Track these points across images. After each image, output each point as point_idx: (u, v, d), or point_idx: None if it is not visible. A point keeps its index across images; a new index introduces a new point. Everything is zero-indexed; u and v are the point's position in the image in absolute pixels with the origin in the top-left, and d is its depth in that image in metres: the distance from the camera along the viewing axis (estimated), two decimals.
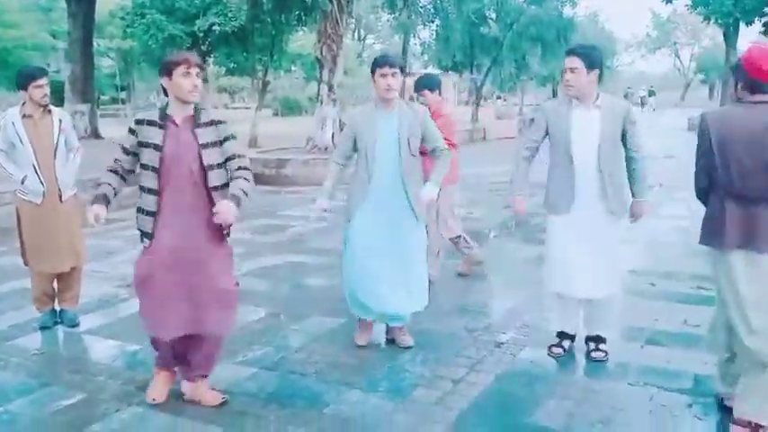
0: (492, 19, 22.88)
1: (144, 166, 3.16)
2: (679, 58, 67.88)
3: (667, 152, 15.60)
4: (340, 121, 13.70)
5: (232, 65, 22.24)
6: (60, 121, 4.32)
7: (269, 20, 16.55)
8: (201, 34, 18.02)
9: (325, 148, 13.17)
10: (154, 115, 3.17)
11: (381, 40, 58.00)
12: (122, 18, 18.99)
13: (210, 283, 3.21)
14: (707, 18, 26.23)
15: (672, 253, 6.49)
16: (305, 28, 18.82)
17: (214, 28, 17.76)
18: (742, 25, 27.54)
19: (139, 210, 3.21)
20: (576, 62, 3.63)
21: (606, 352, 3.89)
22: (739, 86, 2.94)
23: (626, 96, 46.73)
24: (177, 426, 3.20)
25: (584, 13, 34.85)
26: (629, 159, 3.79)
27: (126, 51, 35.05)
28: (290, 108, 34.65)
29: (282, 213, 8.98)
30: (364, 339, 4.15)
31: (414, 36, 23.47)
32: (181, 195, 3.13)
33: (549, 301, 4.01)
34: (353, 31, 56.40)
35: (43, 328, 4.53)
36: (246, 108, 33.09)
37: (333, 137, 13.42)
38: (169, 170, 3.11)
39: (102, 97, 45.67)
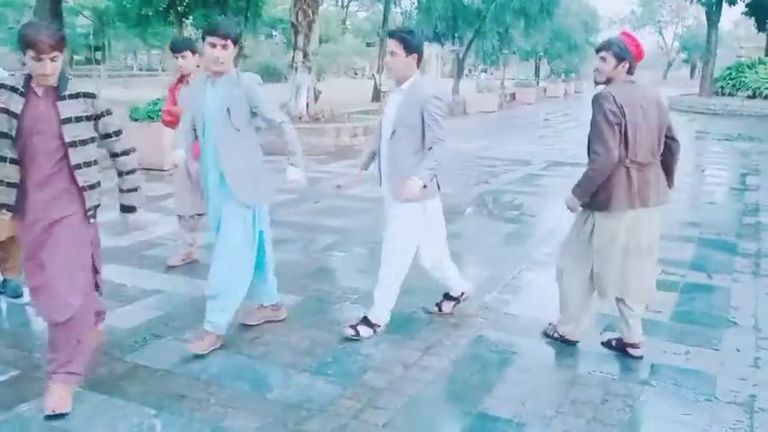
0: None
1: (2, 134, 2.84)
2: (663, 36, 67.92)
3: None
4: (315, 89, 13.42)
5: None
6: None
7: None
8: None
9: (300, 117, 12.90)
10: (18, 81, 2.86)
11: (365, 7, 57.12)
12: None
13: (68, 264, 2.95)
14: None
15: None
16: None
17: None
18: (725, 5, 27.45)
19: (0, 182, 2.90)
20: (393, 45, 3.63)
21: (358, 332, 3.82)
22: (621, 67, 3.37)
23: None
24: (110, 406, 3.05)
25: None
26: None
27: (101, 11, 34.12)
28: (269, 74, 34.05)
29: None
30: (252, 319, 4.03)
31: (395, 4, 23.03)
32: (39, 169, 2.87)
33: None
34: None
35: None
36: None
37: (307, 106, 13.14)
38: (26, 142, 2.83)
39: (75, 57, 44.60)
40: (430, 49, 39.68)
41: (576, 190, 3.49)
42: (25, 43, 2.73)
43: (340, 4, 55.81)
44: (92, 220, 3.05)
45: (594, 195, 3.45)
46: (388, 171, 3.77)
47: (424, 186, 3.60)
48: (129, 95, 18.30)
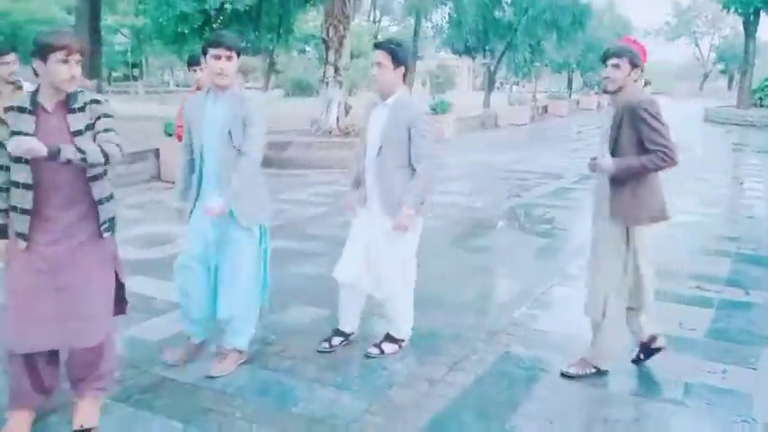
0: (506, 3, 22.47)
1: (17, 159, 2.70)
2: (698, 47, 66.85)
3: (682, 144, 15.30)
4: (346, 104, 13.49)
5: (244, 44, 22.07)
6: None
7: None
8: (213, 12, 17.85)
9: (330, 132, 12.98)
10: (25, 101, 2.78)
11: (397, 21, 57.46)
12: None
13: (83, 287, 2.85)
14: (726, 7, 25.66)
15: (675, 250, 6.27)
16: (315, 8, 18.60)
17: (226, 6, 17.58)
18: (763, 15, 26.91)
19: (12, 208, 2.79)
20: (381, 57, 3.53)
21: (383, 351, 3.78)
22: (633, 74, 3.31)
23: (645, 85, 46.27)
24: (137, 419, 3.08)
25: (600, 0, 34.28)
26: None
27: (138, 28, 34.90)
28: (301, 89, 34.45)
29: (281, 197, 8.81)
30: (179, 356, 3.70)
31: (426, 19, 23.11)
32: (62, 189, 2.78)
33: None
34: (369, 12, 55.94)
35: None
36: (258, 88, 32.91)
37: (338, 120, 13.22)
38: (41, 162, 2.68)
39: (114, 74, 45.70)
40: (461, 63, 39.71)
41: (624, 168, 3.29)
42: (50, 46, 2.67)
43: (372, 19, 56.23)
44: (108, 234, 2.92)
45: (643, 207, 3.35)
46: (377, 188, 3.62)
47: (416, 210, 3.56)
48: (165, 111, 18.62)
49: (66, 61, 2.69)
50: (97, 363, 2.98)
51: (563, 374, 3.53)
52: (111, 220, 2.94)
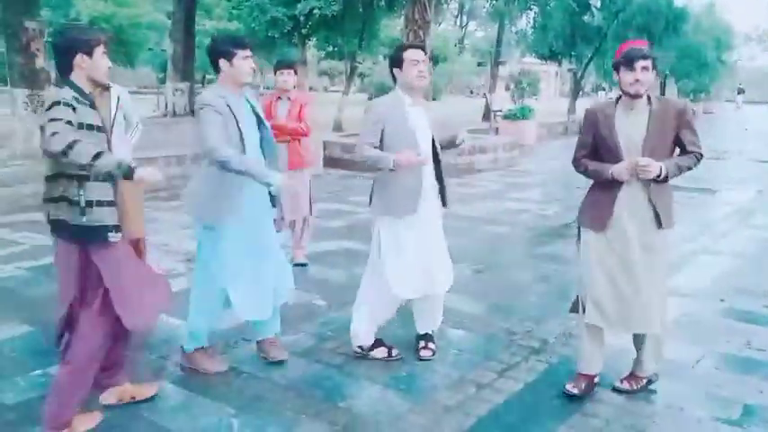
0: (595, 7, 21.87)
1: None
2: None
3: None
4: None
5: (330, 48, 22.58)
6: (118, 98, 4.48)
7: (359, 4, 16.64)
8: (302, 17, 18.39)
9: None
10: (66, 95, 2.72)
11: (483, 26, 57.01)
12: (228, 0, 19.71)
13: (139, 272, 3.01)
14: None
15: (752, 267, 5.97)
16: (399, 14, 18.79)
17: (314, 11, 18.07)
18: None
19: (91, 203, 2.75)
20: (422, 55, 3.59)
21: (434, 351, 3.85)
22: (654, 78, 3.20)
23: (739, 93, 43.88)
24: (194, 403, 3.27)
25: (698, 3, 32.73)
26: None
27: (232, 33, 36.32)
28: (384, 92, 34.80)
29: (352, 199, 8.99)
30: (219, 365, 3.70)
31: (510, 24, 22.83)
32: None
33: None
34: (455, 17, 55.79)
35: None
36: (339, 91, 33.52)
37: None
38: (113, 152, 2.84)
39: (208, 76, 47.65)
40: (547, 68, 38.91)
41: (674, 169, 3.22)
42: (95, 39, 2.77)
43: (458, 24, 56.06)
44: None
45: (673, 210, 3.36)
46: (436, 186, 3.71)
47: None
48: None
49: (105, 54, 2.81)
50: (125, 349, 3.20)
51: (615, 389, 3.47)
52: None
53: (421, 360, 3.80)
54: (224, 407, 3.23)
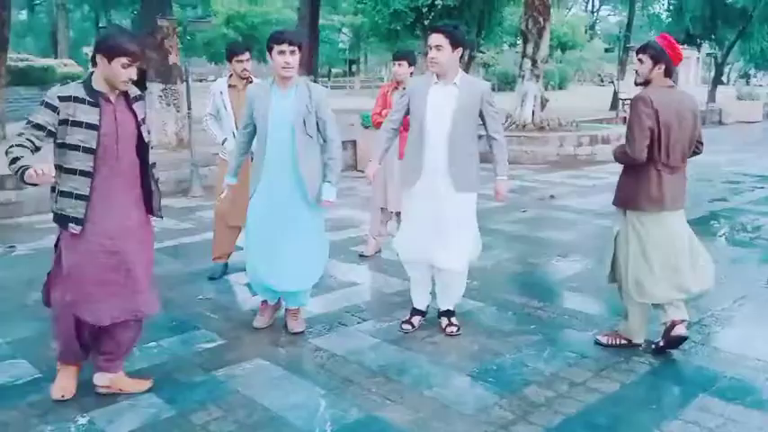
0: None
1: (72, 147, 2.89)
2: None
3: None
4: (542, 97, 13.17)
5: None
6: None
7: None
8: (425, 9, 18.48)
9: (523, 126, 12.78)
10: (79, 91, 2.90)
11: (617, 11, 54.29)
12: None
13: (145, 262, 3.15)
14: None
15: None
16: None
17: (437, 2, 18.10)
18: None
19: (64, 194, 2.93)
20: (440, 39, 3.66)
21: (458, 326, 4.01)
22: (657, 69, 3.49)
23: None
24: (286, 380, 3.41)
25: None
26: (488, 140, 3.87)
27: (357, 27, 37.10)
28: (507, 83, 34.13)
29: None
30: (262, 322, 4.11)
31: (643, 6, 21.55)
32: (117, 175, 2.99)
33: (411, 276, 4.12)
34: (586, 2, 53.58)
35: (212, 278, 5.07)
36: None
37: (533, 114, 12.96)
38: (107, 150, 2.93)
39: (333, 70, 49.10)
40: (688, 53, 36.39)
41: (616, 151, 3.66)
42: (119, 50, 2.86)
43: (590, 9, 53.82)
44: (157, 219, 3.25)
45: (627, 194, 3.60)
46: (450, 165, 3.76)
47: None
48: (371, 104, 19.73)
49: (129, 66, 2.91)
50: (134, 337, 3.27)
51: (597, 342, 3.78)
52: (159, 203, 3.24)
53: (447, 336, 3.95)
54: (313, 386, 3.35)
